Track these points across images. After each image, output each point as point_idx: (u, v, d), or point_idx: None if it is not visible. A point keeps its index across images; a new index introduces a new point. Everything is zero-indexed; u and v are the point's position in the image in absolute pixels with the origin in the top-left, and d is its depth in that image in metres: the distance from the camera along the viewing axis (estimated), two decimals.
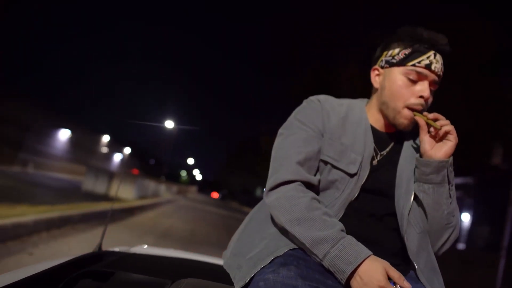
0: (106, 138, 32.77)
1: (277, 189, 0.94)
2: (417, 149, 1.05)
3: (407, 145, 1.06)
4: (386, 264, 0.83)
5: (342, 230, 0.88)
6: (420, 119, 0.98)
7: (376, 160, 1.03)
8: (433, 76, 0.99)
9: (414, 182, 1.01)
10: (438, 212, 0.97)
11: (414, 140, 1.08)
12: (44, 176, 16.57)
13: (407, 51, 1.00)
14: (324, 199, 0.99)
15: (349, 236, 0.87)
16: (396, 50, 1.02)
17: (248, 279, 0.86)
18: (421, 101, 0.98)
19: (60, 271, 0.99)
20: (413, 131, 1.05)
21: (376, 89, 1.08)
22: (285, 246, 0.90)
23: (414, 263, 0.93)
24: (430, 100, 1.01)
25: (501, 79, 8.23)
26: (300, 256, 0.87)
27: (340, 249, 0.83)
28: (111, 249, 1.43)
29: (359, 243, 0.86)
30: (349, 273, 0.81)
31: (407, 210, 0.97)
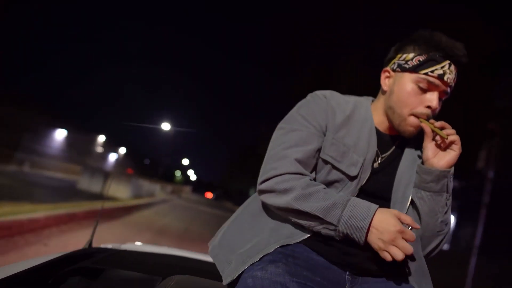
0: (101, 138, 33.01)
1: (274, 178, 0.92)
2: (419, 154, 1.04)
3: (409, 150, 1.05)
4: (395, 211, 0.86)
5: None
6: (426, 127, 0.96)
7: (378, 162, 1.02)
8: (444, 87, 0.96)
9: (413, 187, 1.00)
10: (433, 220, 0.97)
11: (416, 145, 1.06)
12: (40, 176, 16.74)
13: (421, 58, 0.96)
14: None
15: (354, 197, 0.90)
16: (411, 55, 0.99)
17: (236, 276, 0.87)
18: (428, 111, 0.96)
19: (51, 268, 0.99)
20: (416, 136, 1.03)
21: (385, 91, 1.05)
22: (275, 243, 0.89)
23: (405, 266, 0.93)
24: (437, 110, 0.99)
25: (496, 82, 8.36)
26: (289, 254, 0.88)
27: (351, 209, 0.85)
28: (101, 245, 1.44)
29: (364, 200, 0.89)
30: (366, 228, 0.83)
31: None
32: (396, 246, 0.82)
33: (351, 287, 0.90)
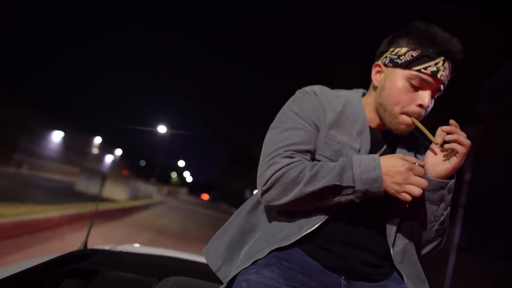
0: (98, 140, 33.28)
1: (278, 172, 0.87)
2: (412, 153, 1.01)
3: (401, 150, 1.01)
4: (397, 154, 0.86)
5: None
6: (421, 128, 0.92)
7: None
8: (437, 84, 0.92)
9: None
10: (427, 227, 0.94)
11: (409, 144, 1.02)
12: (38, 177, 16.89)
13: (414, 53, 0.92)
14: None
15: (354, 155, 0.89)
16: (403, 50, 0.94)
17: (230, 279, 0.88)
18: (420, 110, 0.92)
19: (46, 269, 0.98)
20: (409, 134, 1.00)
21: (375, 87, 1.01)
22: (269, 246, 0.88)
23: (401, 272, 0.90)
24: (430, 108, 0.95)
25: (483, 84, 8.33)
26: (283, 257, 0.87)
27: (359, 165, 0.84)
28: (98, 247, 1.44)
29: (362, 154, 0.90)
30: (381, 175, 0.82)
31: (396, 221, 0.92)
32: (410, 183, 0.81)
33: None
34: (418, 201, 0.91)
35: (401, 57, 0.94)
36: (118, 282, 0.98)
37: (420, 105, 0.92)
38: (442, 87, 0.94)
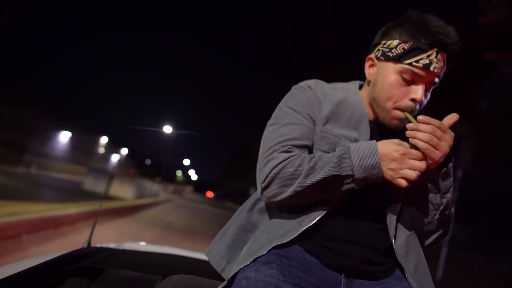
0: (104, 140, 33.77)
1: (277, 167, 0.87)
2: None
3: None
4: (393, 140, 0.83)
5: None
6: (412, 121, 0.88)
7: None
8: (430, 77, 0.89)
9: None
10: (428, 216, 0.92)
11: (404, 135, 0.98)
12: (47, 177, 17.37)
13: (406, 46, 0.89)
14: None
15: (350, 143, 0.88)
16: (395, 42, 0.92)
17: (231, 277, 0.88)
18: (412, 104, 0.90)
19: (50, 268, 0.98)
20: (405, 128, 0.95)
21: (369, 81, 1.00)
22: (269, 244, 0.88)
23: (403, 266, 0.88)
24: (424, 102, 0.94)
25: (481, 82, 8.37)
26: (283, 255, 0.86)
27: (356, 152, 0.82)
28: (102, 245, 1.44)
29: (359, 142, 0.89)
30: (379, 161, 0.80)
31: (396, 212, 0.91)
32: (406, 168, 0.80)
33: None
34: (417, 189, 0.90)
35: (392, 50, 0.93)
36: (122, 280, 0.97)
37: (413, 100, 0.91)
38: (437, 79, 0.91)
